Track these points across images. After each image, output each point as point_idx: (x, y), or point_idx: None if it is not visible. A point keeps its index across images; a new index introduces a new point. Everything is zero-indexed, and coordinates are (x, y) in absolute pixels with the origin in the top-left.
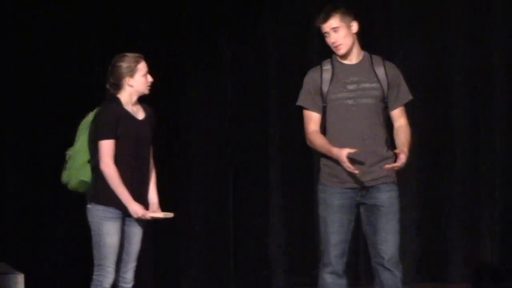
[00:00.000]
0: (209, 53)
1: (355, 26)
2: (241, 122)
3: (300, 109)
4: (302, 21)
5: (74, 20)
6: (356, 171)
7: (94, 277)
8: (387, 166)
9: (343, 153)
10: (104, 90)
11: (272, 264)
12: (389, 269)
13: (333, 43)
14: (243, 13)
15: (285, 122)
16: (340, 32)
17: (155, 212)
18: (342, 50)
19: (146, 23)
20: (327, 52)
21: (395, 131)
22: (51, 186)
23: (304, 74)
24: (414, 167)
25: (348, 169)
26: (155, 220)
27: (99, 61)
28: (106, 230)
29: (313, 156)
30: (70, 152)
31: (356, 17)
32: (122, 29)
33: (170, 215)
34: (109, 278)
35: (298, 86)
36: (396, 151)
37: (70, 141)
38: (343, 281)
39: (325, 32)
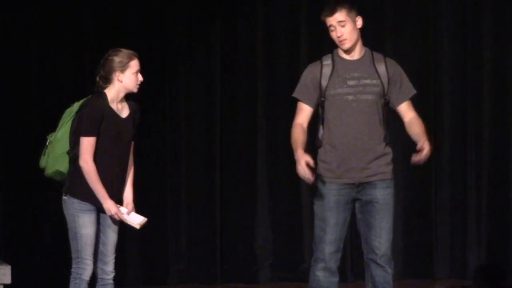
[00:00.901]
0: (199, 47)
1: (359, 21)
2: (229, 117)
3: (295, 101)
4: (292, 17)
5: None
6: (311, 179)
7: (72, 269)
8: (415, 158)
9: (302, 158)
10: (93, 82)
11: (259, 258)
12: (381, 266)
13: (338, 37)
14: (234, 7)
15: (273, 117)
16: (346, 27)
17: (129, 212)
18: (346, 45)
19: (137, 18)
20: (316, 49)
21: (406, 125)
22: (37, 177)
23: (292, 70)
24: (402, 163)
25: (302, 174)
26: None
27: (88, 51)
28: (82, 222)
29: None
30: (51, 138)
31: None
32: (114, 24)
33: (144, 221)
34: (87, 270)
35: (287, 81)
36: (418, 146)
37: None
38: (335, 279)
39: (330, 26)
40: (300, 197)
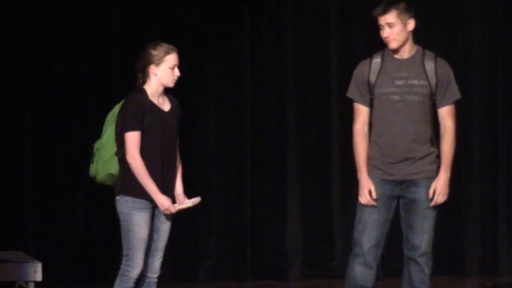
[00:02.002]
0: (228, 42)
1: (412, 24)
2: (260, 113)
3: (351, 101)
4: (322, 13)
5: (95, 10)
6: (374, 204)
7: (122, 266)
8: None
9: (367, 186)
10: (133, 79)
11: (289, 255)
12: (419, 265)
13: (385, 37)
14: (264, 3)
15: (303, 114)
16: (394, 29)
17: (181, 203)
18: (393, 45)
19: (165, 12)
20: (345, 44)
21: (440, 135)
22: (69, 175)
23: (320, 68)
24: None
25: (364, 202)
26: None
27: (121, 52)
28: (136, 221)
29: (331, 148)
30: (97, 145)
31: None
32: (142, 21)
33: (197, 200)
34: (136, 269)
35: (316, 77)
36: (432, 186)
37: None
38: (371, 274)
39: (380, 25)
40: (331, 194)
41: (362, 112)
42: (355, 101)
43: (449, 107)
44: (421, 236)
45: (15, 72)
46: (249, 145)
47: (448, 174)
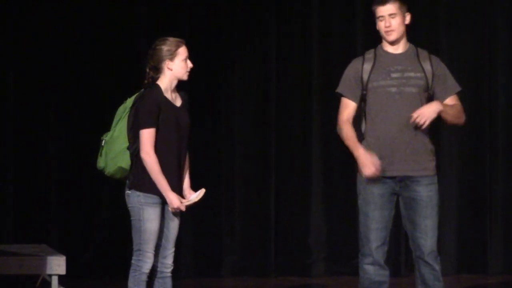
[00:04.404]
0: (254, 39)
1: (408, 18)
2: (284, 110)
3: (340, 96)
4: (347, 11)
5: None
6: (379, 175)
7: (133, 261)
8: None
9: (367, 158)
10: (143, 74)
11: (313, 252)
12: (428, 263)
13: (387, 27)
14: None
15: (327, 110)
16: (395, 19)
17: (188, 198)
18: (392, 36)
19: (191, 8)
20: (371, 41)
21: None
22: (92, 170)
23: (347, 63)
24: (456, 157)
25: (370, 174)
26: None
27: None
28: (147, 215)
29: None
30: (106, 138)
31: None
32: (168, 17)
33: (202, 192)
34: (148, 264)
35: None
36: None
37: (108, 128)
38: (386, 272)
39: (380, 16)
40: (355, 190)
41: (349, 107)
42: (344, 96)
43: (453, 97)
44: (425, 235)
45: (39, 70)
46: (274, 141)
47: (439, 107)
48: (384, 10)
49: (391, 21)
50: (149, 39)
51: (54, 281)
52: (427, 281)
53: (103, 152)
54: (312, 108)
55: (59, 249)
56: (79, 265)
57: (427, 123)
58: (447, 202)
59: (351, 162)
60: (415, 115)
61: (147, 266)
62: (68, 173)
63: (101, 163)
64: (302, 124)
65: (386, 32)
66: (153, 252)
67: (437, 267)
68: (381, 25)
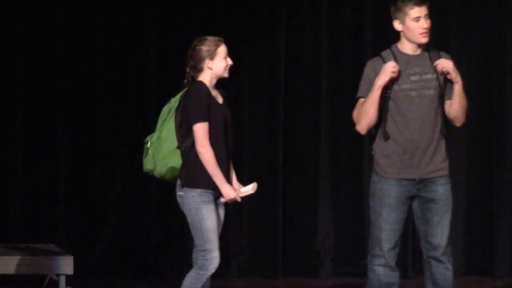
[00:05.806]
0: (263, 39)
1: None
2: (293, 111)
3: (358, 98)
4: (356, 14)
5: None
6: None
7: (199, 261)
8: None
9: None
10: (183, 74)
11: (320, 253)
12: (443, 262)
13: (425, 28)
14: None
15: (336, 110)
16: (429, 20)
17: (241, 191)
18: (428, 38)
19: (201, 6)
20: (380, 42)
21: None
22: (101, 169)
23: (356, 64)
24: (464, 159)
25: (390, 69)
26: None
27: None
28: (206, 214)
29: (363, 146)
30: (152, 139)
31: None
32: (176, 16)
33: (255, 186)
34: (214, 263)
35: (349, 76)
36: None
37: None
38: (396, 273)
39: (416, 17)
40: (362, 191)
41: None
42: (364, 98)
43: None
44: (441, 235)
45: (50, 67)
46: (282, 142)
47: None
48: (421, 11)
49: (427, 21)
50: (157, 38)
51: (62, 281)
52: (438, 281)
53: (149, 153)
54: (321, 109)
55: (67, 249)
56: (86, 265)
57: (451, 65)
58: (454, 204)
59: (361, 162)
60: (438, 65)
61: (213, 266)
62: (77, 173)
63: (148, 165)
64: (311, 125)
65: (423, 33)
66: (218, 250)
67: (451, 266)
68: (416, 26)
